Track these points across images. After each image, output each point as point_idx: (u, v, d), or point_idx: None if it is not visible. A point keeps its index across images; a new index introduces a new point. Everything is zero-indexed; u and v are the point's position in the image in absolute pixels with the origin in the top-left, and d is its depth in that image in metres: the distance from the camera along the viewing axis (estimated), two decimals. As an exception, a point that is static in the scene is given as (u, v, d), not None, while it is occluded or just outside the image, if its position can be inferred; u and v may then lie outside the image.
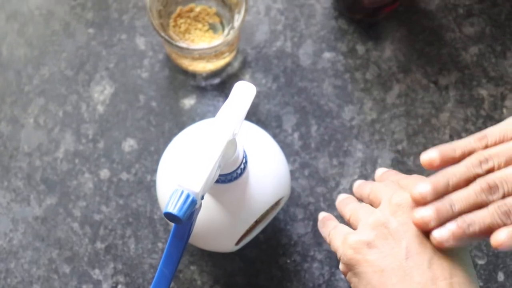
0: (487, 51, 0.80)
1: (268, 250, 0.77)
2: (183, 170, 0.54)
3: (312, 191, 0.78)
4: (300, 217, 0.77)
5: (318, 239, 0.77)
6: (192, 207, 0.53)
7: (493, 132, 0.54)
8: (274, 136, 0.78)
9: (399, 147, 0.79)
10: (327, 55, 0.81)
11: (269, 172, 0.68)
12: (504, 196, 0.51)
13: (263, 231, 0.76)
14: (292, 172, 0.78)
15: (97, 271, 0.76)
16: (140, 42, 0.81)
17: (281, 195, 0.69)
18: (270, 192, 0.68)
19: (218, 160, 0.54)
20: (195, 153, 0.54)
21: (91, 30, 0.82)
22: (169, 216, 0.52)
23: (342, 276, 0.76)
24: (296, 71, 0.80)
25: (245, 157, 0.61)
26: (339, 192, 0.78)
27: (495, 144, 0.54)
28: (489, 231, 0.51)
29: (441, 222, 0.52)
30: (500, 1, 0.81)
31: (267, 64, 0.81)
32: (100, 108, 0.80)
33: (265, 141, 0.70)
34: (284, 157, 0.71)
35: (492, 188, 0.51)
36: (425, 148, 0.78)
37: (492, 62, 0.80)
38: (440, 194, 0.53)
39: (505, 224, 0.51)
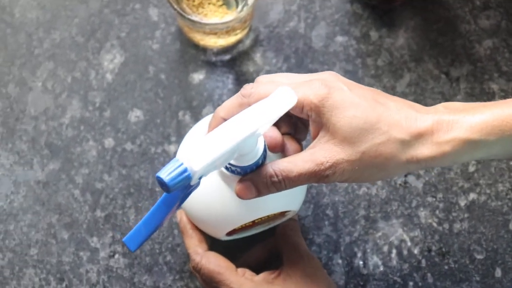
0: (501, 45, 0.80)
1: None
2: (192, 144, 0.52)
3: (315, 174, 0.77)
4: (302, 199, 0.77)
5: (318, 223, 0.77)
6: (184, 182, 0.51)
7: None
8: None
9: (406, 136, 0.78)
10: (340, 39, 0.80)
11: None
12: None
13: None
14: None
15: (95, 239, 0.76)
16: (153, 13, 0.81)
17: (289, 208, 0.67)
18: (279, 200, 0.65)
19: (231, 149, 0.53)
20: (212, 133, 0.52)
21: (104, -2, 0.81)
22: (159, 180, 0.51)
23: (340, 261, 0.76)
24: (307, 52, 0.80)
25: (264, 155, 0.60)
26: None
27: None
28: None
29: None
30: (518, -4, 0.80)
31: (278, 44, 0.80)
32: (109, 77, 0.79)
33: None
34: None
35: None
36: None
37: (506, 57, 0.79)
38: None
39: None
